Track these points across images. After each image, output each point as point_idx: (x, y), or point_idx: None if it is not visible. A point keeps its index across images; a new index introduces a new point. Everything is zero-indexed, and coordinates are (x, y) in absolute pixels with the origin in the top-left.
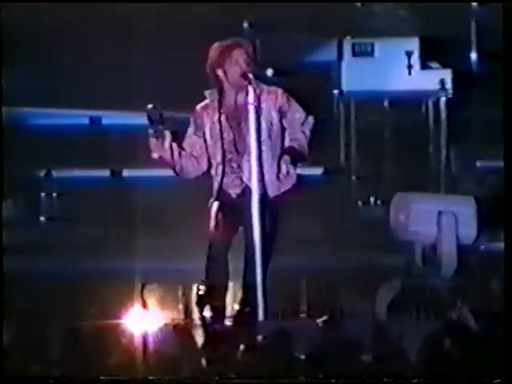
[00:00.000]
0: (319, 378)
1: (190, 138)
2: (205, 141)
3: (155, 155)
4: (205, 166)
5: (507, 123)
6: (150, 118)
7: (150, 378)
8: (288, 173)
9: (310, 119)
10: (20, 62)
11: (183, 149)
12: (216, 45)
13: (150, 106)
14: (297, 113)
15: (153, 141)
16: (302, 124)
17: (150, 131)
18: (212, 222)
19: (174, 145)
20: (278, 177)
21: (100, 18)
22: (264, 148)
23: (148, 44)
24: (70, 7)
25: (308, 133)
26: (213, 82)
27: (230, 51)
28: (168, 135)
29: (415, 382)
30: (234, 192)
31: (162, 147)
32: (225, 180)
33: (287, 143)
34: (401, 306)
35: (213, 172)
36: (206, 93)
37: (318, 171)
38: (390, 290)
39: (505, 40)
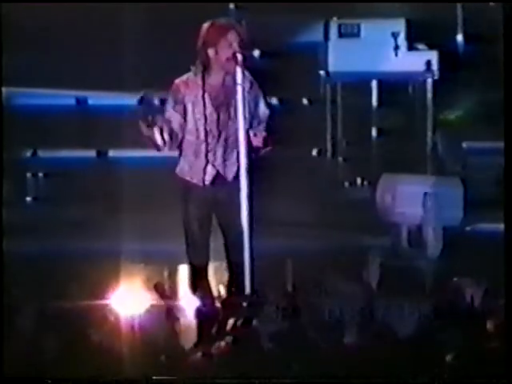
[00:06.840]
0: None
1: (169, 113)
2: (183, 117)
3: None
4: (178, 143)
5: (507, 104)
6: (145, 104)
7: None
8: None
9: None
10: (5, 42)
11: (165, 124)
12: (209, 23)
13: (143, 93)
14: (265, 109)
15: (145, 124)
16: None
17: (145, 120)
18: (186, 208)
19: (165, 128)
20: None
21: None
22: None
23: (134, 24)
24: None
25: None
26: (201, 59)
27: (225, 32)
28: (159, 118)
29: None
30: (206, 178)
31: (151, 129)
32: (196, 166)
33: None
34: (387, 288)
35: (186, 151)
36: (192, 68)
37: (304, 152)
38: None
39: (505, 23)
